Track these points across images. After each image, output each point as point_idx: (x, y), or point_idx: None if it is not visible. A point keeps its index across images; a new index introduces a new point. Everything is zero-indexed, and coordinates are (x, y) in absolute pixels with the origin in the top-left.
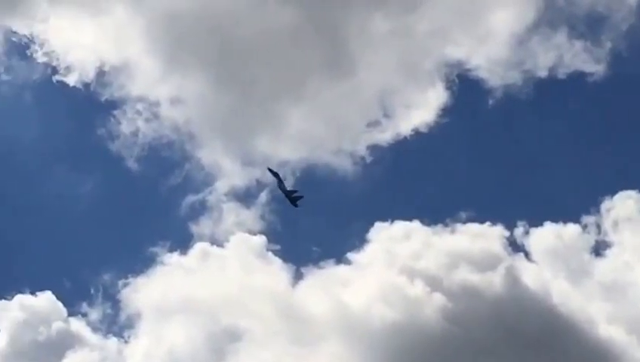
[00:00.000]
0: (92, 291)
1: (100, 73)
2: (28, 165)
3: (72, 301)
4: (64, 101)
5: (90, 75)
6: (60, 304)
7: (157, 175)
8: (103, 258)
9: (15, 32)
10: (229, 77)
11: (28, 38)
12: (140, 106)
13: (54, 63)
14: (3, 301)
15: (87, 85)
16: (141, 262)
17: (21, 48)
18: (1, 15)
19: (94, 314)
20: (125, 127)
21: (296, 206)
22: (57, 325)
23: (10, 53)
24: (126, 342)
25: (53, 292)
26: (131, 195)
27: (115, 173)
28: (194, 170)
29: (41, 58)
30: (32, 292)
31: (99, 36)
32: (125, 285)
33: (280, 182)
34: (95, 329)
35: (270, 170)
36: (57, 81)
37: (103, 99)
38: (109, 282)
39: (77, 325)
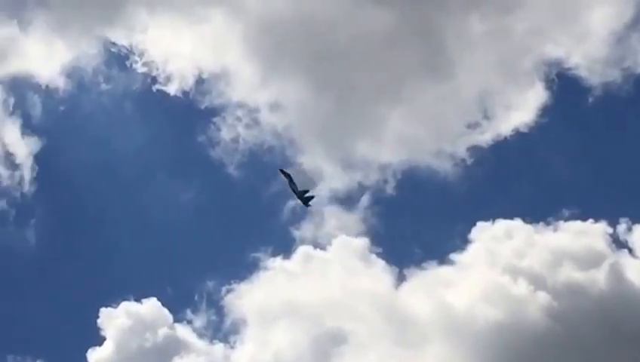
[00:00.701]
0: (196, 297)
1: (199, 81)
2: (130, 174)
3: (177, 307)
4: (164, 110)
5: (189, 83)
6: (165, 310)
7: (258, 181)
8: (206, 264)
9: (114, 43)
10: (328, 81)
11: (127, 49)
12: (239, 113)
13: (154, 73)
14: (109, 308)
15: (186, 93)
16: (244, 268)
17: (121, 59)
18: (101, 26)
19: (199, 321)
20: (225, 134)
21: (307, 206)
22: (163, 331)
23: (109, 63)
24: (232, 347)
25: (159, 299)
26: (232, 202)
27: (216, 180)
28: (295, 175)
29: (140, 68)
30: (137, 299)
31: (197, 44)
32: (229, 291)
33: (291, 182)
34: (201, 335)
35: (282, 171)
36: (157, 90)
37: (202, 106)
38: (213, 288)
39: (183, 331)
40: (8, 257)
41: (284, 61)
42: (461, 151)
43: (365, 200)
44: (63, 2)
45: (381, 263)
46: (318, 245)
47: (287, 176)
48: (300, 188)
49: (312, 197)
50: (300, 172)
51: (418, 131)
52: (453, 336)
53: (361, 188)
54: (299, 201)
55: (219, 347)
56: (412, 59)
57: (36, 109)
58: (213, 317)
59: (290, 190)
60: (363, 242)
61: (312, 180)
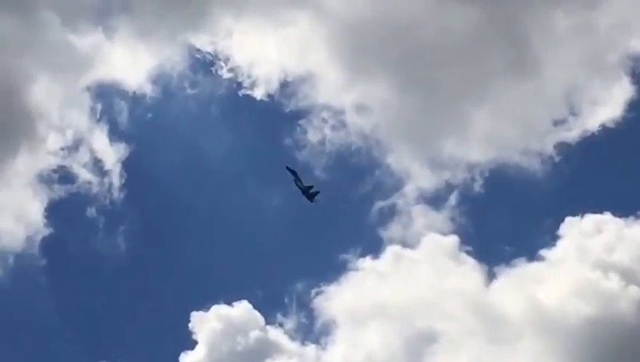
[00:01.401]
0: (286, 300)
1: (284, 84)
2: (218, 178)
3: (268, 310)
4: (250, 114)
5: (274, 86)
6: (256, 313)
7: (345, 182)
8: (295, 267)
9: (199, 50)
10: (413, 80)
11: (212, 55)
12: (325, 115)
13: (240, 79)
14: (200, 312)
15: (272, 97)
16: (333, 270)
17: (206, 65)
18: (186, 32)
19: (290, 323)
20: (312, 137)
21: (312, 201)
22: (255, 334)
23: (194, 69)
24: (323, 349)
25: (250, 302)
26: (320, 204)
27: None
28: (382, 176)
29: (226, 75)
30: (228, 303)
31: (282, 48)
32: (318, 293)
33: (297, 179)
34: (292, 337)
35: (288, 168)
36: (243, 95)
37: (288, 109)
38: (302, 290)
39: (274, 333)
40: (99, 264)
41: (368, 62)
42: (548, 148)
43: (453, 199)
44: (147, 9)
45: (471, 261)
46: (406, 245)
47: (293, 173)
48: (306, 184)
49: (318, 192)
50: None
51: (505, 129)
52: (544, 333)
53: (449, 187)
54: (305, 197)
55: (310, 348)
56: (497, 56)
57: (123, 116)
58: (304, 320)
59: (296, 187)
60: (452, 240)
61: (401, 180)
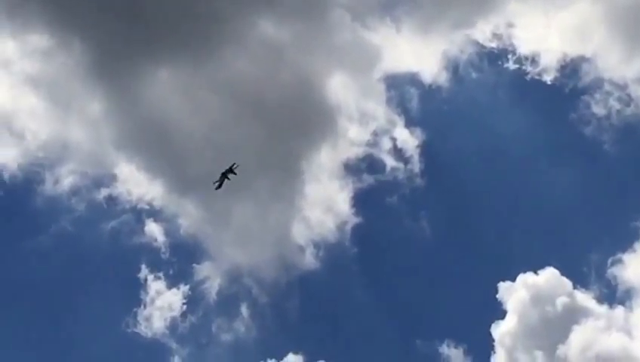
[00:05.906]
0: (584, 269)
1: (565, 66)
2: (511, 157)
3: (572, 276)
4: (536, 97)
5: (556, 69)
6: (563, 279)
7: (635, 154)
8: (590, 237)
9: (481, 44)
10: None
11: (496, 48)
12: (608, 88)
13: (525, 68)
14: (507, 282)
15: (556, 78)
16: (627, 238)
17: (492, 56)
18: (469, 22)
19: (591, 292)
20: (598, 111)
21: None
22: (562, 300)
23: (481, 57)
24: (630, 311)
25: (555, 268)
26: (611, 178)
27: (592, 156)
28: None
29: (512, 66)
30: (534, 271)
31: (564, 32)
32: (614, 262)
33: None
34: (600, 300)
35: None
36: (530, 79)
37: (570, 88)
38: (599, 261)
39: (582, 298)
40: (408, 251)
41: None
42: None
43: None
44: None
45: None
46: None
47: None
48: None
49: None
50: None
51: None
52: None
53: None
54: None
55: (619, 311)
56: None
57: (416, 105)
58: (604, 289)
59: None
60: None
61: None
